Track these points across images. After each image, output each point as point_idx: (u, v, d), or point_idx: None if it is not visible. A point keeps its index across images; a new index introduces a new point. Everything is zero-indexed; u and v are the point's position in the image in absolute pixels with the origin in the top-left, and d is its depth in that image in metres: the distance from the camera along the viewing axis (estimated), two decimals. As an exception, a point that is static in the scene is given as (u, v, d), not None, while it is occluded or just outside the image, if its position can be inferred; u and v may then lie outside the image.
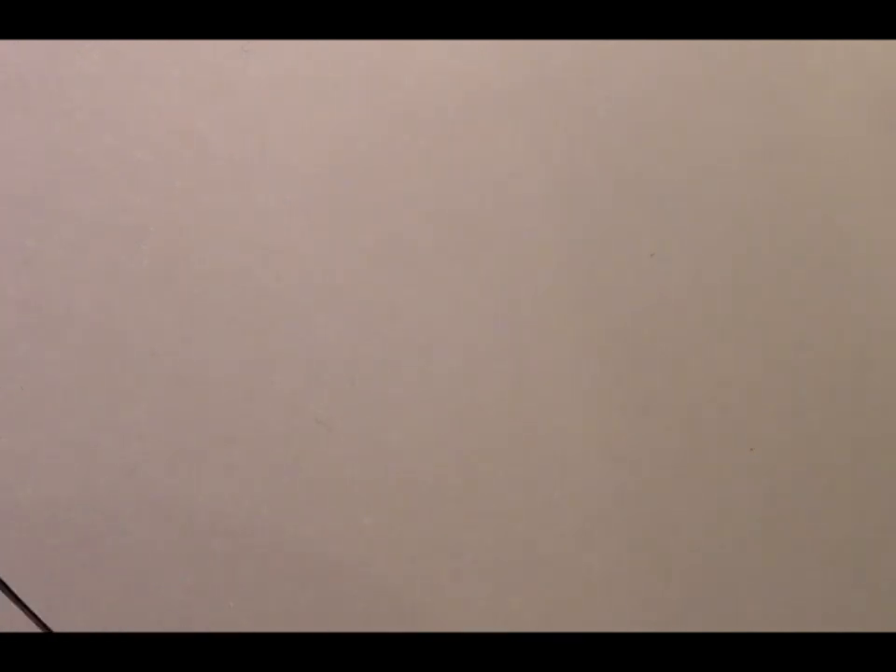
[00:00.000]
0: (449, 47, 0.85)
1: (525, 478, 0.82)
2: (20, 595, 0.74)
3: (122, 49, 0.79)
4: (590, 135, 0.87)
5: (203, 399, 0.78)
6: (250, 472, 0.78)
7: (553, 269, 0.85)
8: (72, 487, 0.75)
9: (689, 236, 0.88)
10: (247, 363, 0.79)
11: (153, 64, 0.80)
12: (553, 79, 0.87)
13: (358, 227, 0.82)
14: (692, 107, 0.89)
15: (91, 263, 0.78)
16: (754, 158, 0.90)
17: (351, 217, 0.82)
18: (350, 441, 0.79)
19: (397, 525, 0.79)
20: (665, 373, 0.85)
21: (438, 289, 0.83)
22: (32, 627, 0.74)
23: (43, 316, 0.76)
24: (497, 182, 0.85)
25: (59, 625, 0.74)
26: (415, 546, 0.80)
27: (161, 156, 0.79)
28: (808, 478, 0.86)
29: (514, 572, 0.81)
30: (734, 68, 0.90)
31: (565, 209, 0.86)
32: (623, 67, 0.88)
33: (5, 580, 0.74)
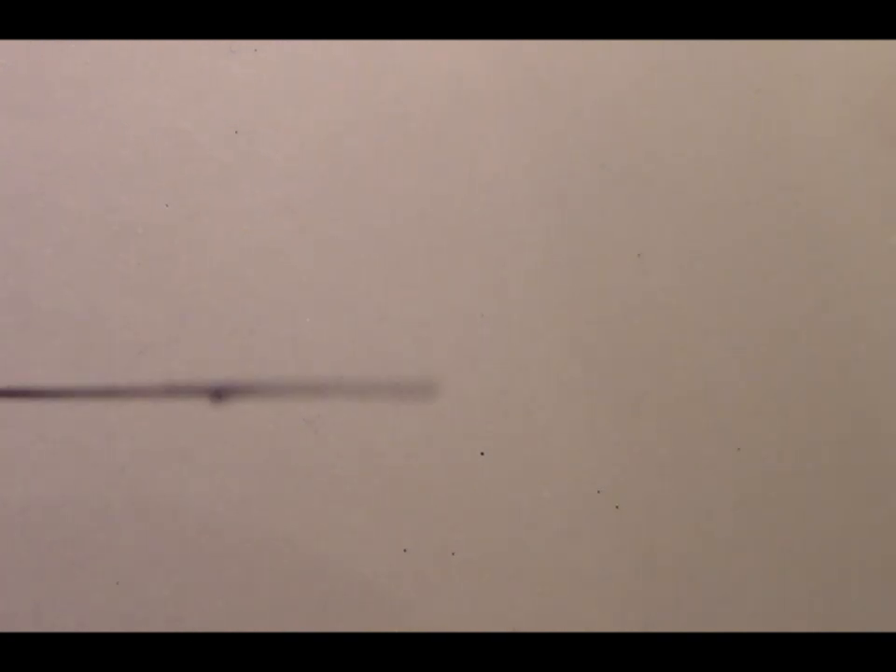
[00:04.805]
0: (437, 47, 0.85)
1: (514, 477, 0.82)
2: (6, 595, 0.74)
3: (109, 50, 0.79)
4: (577, 136, 0.88)
5: (191, 398, 0.78)
6: (238, 472, 0.78)
7: (541, 269, 0.85)
8: (60, 486, 0.75)
9: (676, 237, 0.88)
10: (236, 363, 0.79)
11: (140, 65, 0.80)
12: (539, 79, 0.87)
13: (347, 227, 0.83)
14: (679, 108, 0.90)
15: (79, 263, 0.78)
16: (742, 159, 0.90)
17: (339, 216, 0.83)
18: (337, 441, 0.80)
19: (384, 525, 0.79)
20: (653, 374, 0.86)
21: (425, 289, 0.83)
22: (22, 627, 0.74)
23: (30, 316, 0.76)
24: (483, 183, 0.85)
25: (48, 625, 0.74)
26: (403, 545, 0.80)
27: (149, 156, 0.79)
28: (796, 478, 0.86)
29: (503, 572, 0.81)
30: (722, 68, 0.91)
31: (552, 209, 0.86)
32: (610, 67, 0.88)
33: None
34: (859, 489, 0.87)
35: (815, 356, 0.88)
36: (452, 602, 0.80)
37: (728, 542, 0.84)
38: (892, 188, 0.92)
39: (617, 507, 0.83)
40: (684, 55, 0.89)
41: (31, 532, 0.74)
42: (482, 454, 0.82)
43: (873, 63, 0.93)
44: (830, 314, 0.89)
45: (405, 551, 0.80)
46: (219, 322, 0.79)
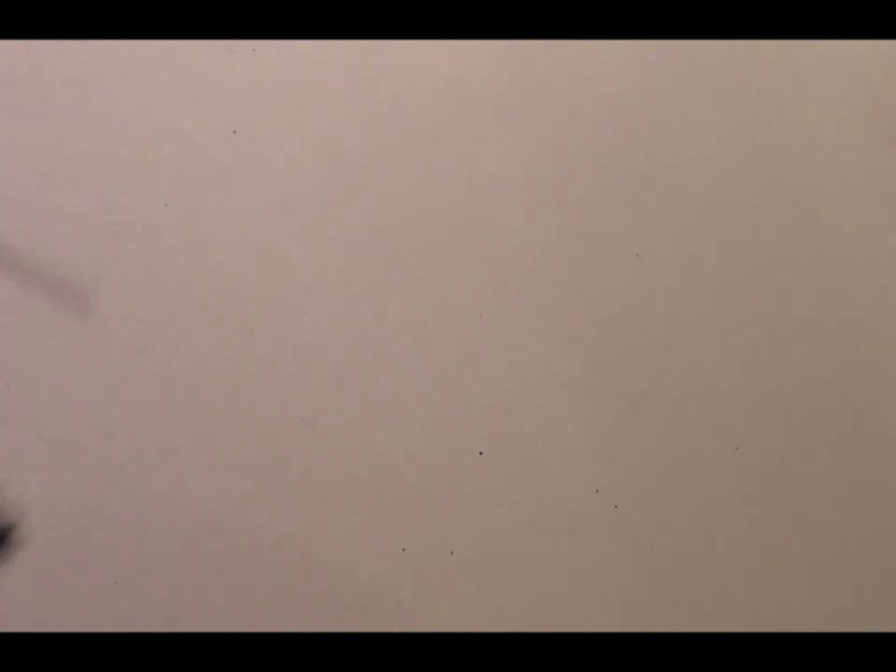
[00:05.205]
0: (435, 47, 0.85)
1: (513, 477, 0.82)
2: (5, 594, 0.74)
3: (108, 50, 0.79)
4: (576, 136, 0.87)
5: (190, 398, 0.78)
6: (237, 471, 0.78)
7: (540, 270, 0.85)
8: (59, 486, 0.75)
9: (676, 237, 0.88)
10: (234, 363, 0.79)
11: (139, 65, 0.80)
12: (539, 79, 0.87)
13: (346, 227, 0.82)
14: (679, 108, 0.90)
15: (78, 263, 0.78)
16: (742, 159, 0.90)
17: (338, 216, 0.83)
18: (336, 441, 0.80)
19: (383, 524, 0.80)
20: (652, 374, 0.86)
21: (424, 289, 0.83)
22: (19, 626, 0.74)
23: (30, 316, 0.76)
24: (482, 183, 0.85)
25: (48, 625, 0.74)
26: (402, 545, 0.80)
27: (148, 156, 0.79)
28: (795, 477, 0.86)
29: (502, 571, 0.81)
30: (721, 68, 0.91)
31: (551, 210, 0.86)
32: (610, 67, 0.88)
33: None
34: (859, 489, 0.87)
35: (815, 356, 0.88)
36: (451, 601, 0.80)
37: (727, 542, 0.84)
38: (892, 188, 0.92)
39: (616, 506, 0.83)
40: (684, 55, 0.89)
41: (31, 532, 0.74)
42: (481, 453, 0.82)
43: (873, 63, 0.93)
44: (830, 314, 0.89)
45: (404, 550, 0.80)
46: (218, 322, 0.79)
